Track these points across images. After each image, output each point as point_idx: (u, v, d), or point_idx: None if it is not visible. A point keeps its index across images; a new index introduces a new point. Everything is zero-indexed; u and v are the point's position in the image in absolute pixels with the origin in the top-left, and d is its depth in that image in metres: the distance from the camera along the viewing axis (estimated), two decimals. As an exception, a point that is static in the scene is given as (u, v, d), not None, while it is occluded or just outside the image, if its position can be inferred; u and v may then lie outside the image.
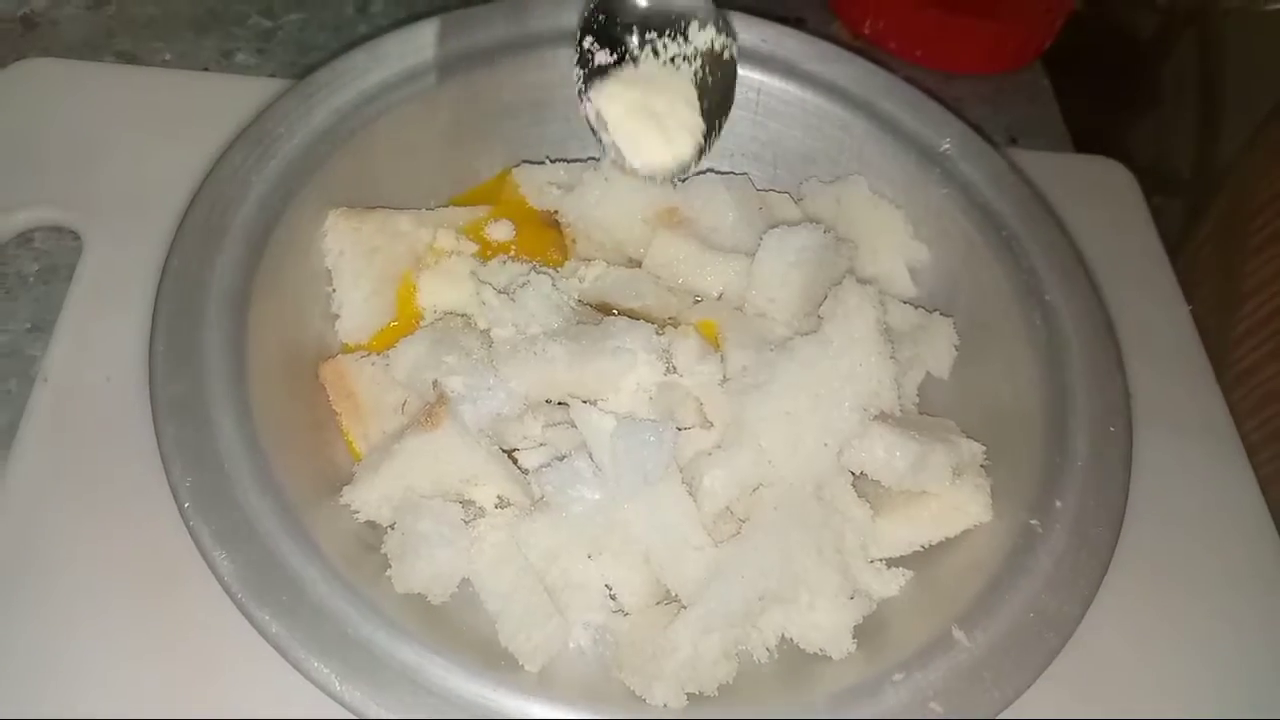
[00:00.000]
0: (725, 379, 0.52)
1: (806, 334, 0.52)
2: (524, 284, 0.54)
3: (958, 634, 0.45)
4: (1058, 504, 0.49)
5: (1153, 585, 0.55)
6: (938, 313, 0.59)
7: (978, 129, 0.63)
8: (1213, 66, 1.00)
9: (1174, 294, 0.70)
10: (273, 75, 0.74)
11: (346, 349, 0.56)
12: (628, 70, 0.55)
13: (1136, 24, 1.08)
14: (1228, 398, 0.66)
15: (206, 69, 0.75)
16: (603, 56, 0.55)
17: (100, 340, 0.57)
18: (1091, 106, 0.93)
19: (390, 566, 0.47)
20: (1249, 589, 0.56)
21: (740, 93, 0.64)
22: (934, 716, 0.42)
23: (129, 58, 0.74)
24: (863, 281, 0.56)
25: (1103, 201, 0.74)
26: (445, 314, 0.57)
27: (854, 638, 0.48)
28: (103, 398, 0.55)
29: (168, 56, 0.75)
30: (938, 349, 0.58)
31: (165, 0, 0.78)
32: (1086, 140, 0.83)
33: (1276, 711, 0.52)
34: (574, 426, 0.50)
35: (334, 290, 0.56)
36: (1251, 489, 0.61)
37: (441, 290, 0.56)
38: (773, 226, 0.57)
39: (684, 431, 0.51)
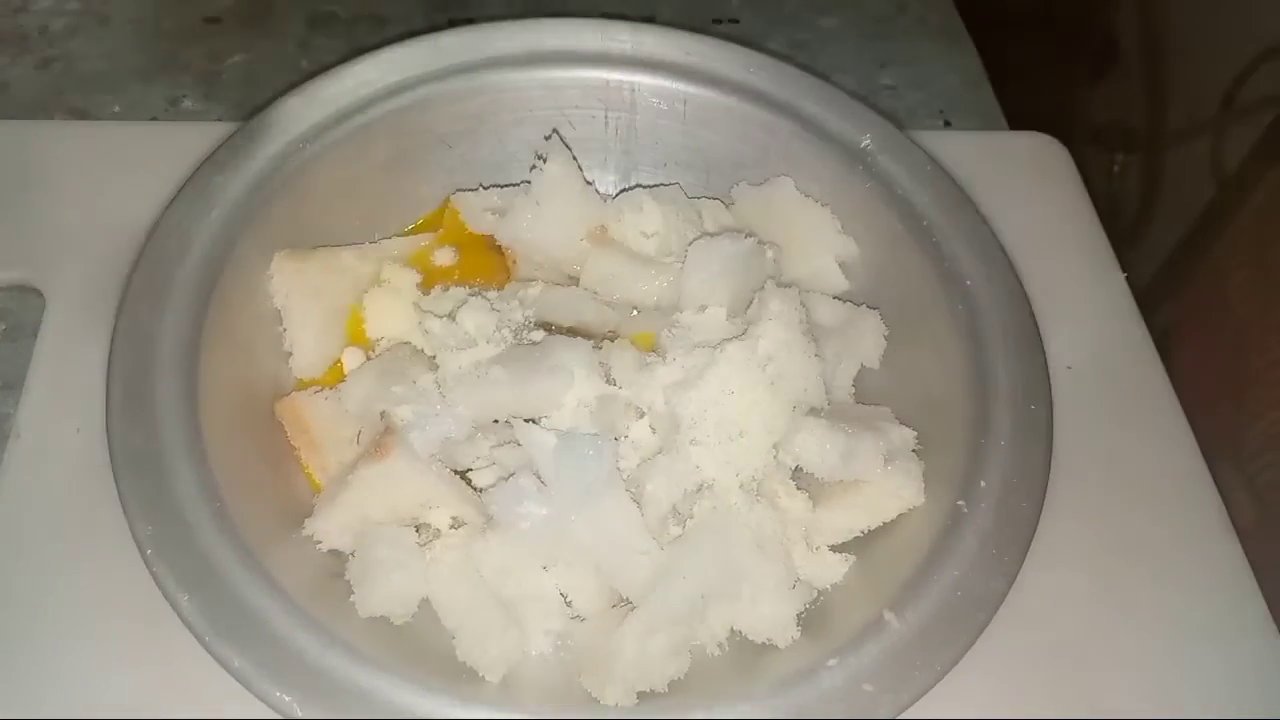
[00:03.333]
0: (662, 387, 0.54)
1: (736, 339, 0.54)
2: (462, 307, 0.57)
3: (889, 616, 0.47)
4: (982, 484, 0.51)
5: (1094, 553, 0.57)
6: (865, 305, 0.61)
7: (895, 121, 0.65)
8: (1156, 32, 1.00)
9: (1109, 261, 0.72)
10: (219, 119, 0.76)
11: (301, 385, 0.58)
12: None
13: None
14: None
15: (155, 118, 0.77)
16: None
17: (67, 393, 0.58)
18: (1028, 84, 0.94)
19: (353, 593, 0.50)
20: (1189, 552, 0.58)
21: (669, 104, 0.66)
22: (867, 696, 0.45)
23: (79, 113, 0.76)
24: (794, 280, 0.58)
25: (1035, 175, 0.75)
26: (395, 344, 0.59)
27: (799, 625, 0.51)
28: (73, 448, 0.56)
29: (117, 108, 0.77)
30: (867, 341, 0.60)
31: (111, 54, 0.80)
32: (1025, 119, 0.84)
33: (1215, 673, 0.54)
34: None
35: (285, 330, 0.58)
36: (1192, 452, 0.62)
37: (387, 321, 0.58)
38: (696, 238, 0.59)
39: (626, 440, 0.54)
